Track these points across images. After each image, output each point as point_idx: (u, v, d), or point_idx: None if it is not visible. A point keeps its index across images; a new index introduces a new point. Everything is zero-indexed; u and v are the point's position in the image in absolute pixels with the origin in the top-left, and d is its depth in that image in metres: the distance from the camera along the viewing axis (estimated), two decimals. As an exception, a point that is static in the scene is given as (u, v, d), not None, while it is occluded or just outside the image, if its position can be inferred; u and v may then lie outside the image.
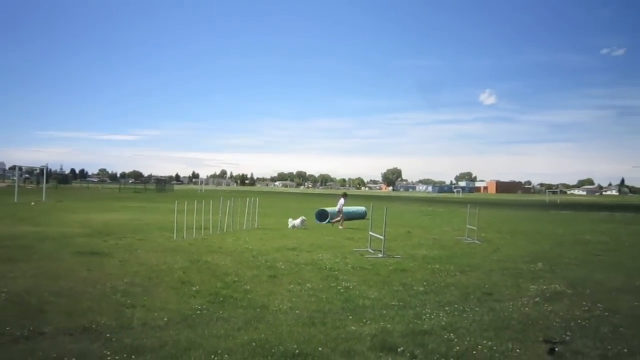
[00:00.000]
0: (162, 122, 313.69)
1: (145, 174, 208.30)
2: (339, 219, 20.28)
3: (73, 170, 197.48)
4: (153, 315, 6.14)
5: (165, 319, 6.00)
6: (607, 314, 6.87)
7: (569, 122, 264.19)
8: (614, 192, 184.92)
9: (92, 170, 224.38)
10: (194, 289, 7.74)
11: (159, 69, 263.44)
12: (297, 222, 18.88)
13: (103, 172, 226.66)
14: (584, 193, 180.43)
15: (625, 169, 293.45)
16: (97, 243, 12.65)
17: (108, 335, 5.26)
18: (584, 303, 7.46)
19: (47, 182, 42.23)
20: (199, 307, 6.60)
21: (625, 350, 5.31)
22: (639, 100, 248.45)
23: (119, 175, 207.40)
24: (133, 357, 4.69)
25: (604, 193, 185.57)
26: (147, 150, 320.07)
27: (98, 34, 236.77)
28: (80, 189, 74.83)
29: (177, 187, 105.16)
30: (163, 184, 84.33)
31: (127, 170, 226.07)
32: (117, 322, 5.80)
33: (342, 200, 20.63)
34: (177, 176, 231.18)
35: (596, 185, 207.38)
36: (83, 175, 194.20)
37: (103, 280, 8.10)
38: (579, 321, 6.44)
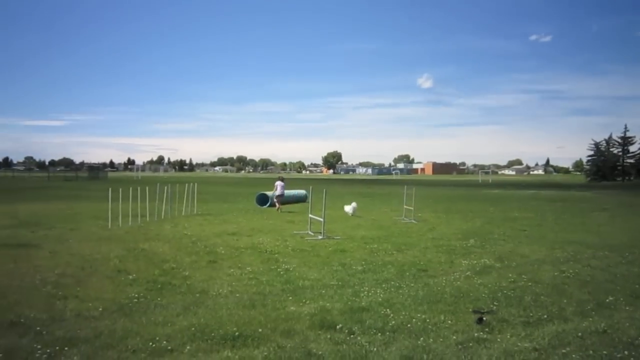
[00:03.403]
0: (93, 107, 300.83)
1: (77, 161, 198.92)
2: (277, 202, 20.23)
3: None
4: (87, 306, 5.95)
5: (100, 309, 5.82)
6: (530, 284, 7.36)
7: (499, 106, 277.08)
8: (540, 172, 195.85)
9: (17, 158, 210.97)
10: (130, 277, 7.55)
11: (89, 50, 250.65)
12: (350, 208, 17.92)
13: (29, 159, 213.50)
14: (513, 173, 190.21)
15: (550, 150, 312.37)
16: (24, 234, 12.00)
17: (38, 329, 5.05)
18: (510, 275, 7.95)
19: (-34, 171, 39.39)
20: (136, 295, 6.46)
21: (545, 316, 5.73)
22: (562, 84, 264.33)
23: (47, 163, 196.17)
24: (66, 348, 4.54)
25: (531, 172, 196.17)
26: (78, 136, 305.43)
27: (23, 10, 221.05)
28: (4, 177, 70.20)
29: (111, 174, 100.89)
30: (96, 171, 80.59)
31: (56, 158, 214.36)
32: (47, 314, 5.57)
33: (280, 183, 20.59)
34: (111, 162, 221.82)
35: (524, 165, 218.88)
36: (7, 163, 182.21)
37: (31, 272, 7.72)
38: (505, 291, 6.86)
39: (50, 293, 6.52)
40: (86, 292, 6.61)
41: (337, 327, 5.27)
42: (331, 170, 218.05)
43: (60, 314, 5.63)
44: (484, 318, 5.57)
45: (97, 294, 6.50)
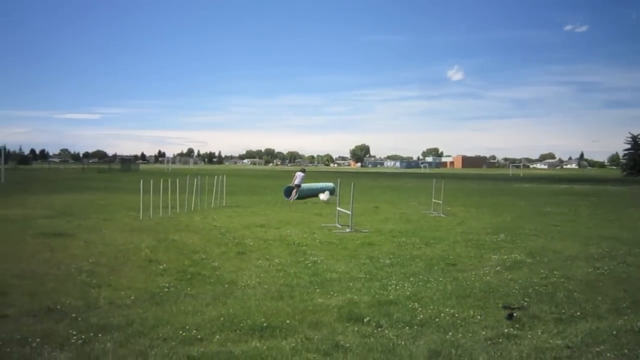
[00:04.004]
0: (126, 100, 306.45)
1: (109, 153, 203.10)
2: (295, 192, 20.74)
3: (33, 151, 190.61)
4: (119, 294, 6.10)
5: (132, 297, 5.97)
6: (562, 280, 7.19)
7: (531, 98, 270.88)
8: (574, 166, 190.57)
9: (53, 150, 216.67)
10: (161, 267, 7.70)
11: (121, 45, 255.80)
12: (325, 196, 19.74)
13: (64, 152, 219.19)
14: (545, 166, 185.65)
15: (585, 143, 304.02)
16: (60, 224, 12.36)
17: (73, 315, 5.21)
18: (542, 270, 7.79)
19: (6, 163, 40.72)
20: (167, 285, 6.59)
21: (578, 313, 5.59)
22: (598, 76, 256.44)
23: (81, 155, 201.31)
24: (99, 335, 4.67)
25: (564, 166, 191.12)
26: (111, 129, 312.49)
27: (56, 6, 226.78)
28: (41, 169, 72.53)
29: (142, 166, 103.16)
30: (128, 163, 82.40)
31: (90, 150, 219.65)
32: (82, 301, 5.75)
33: (300, 174, 21.10)
34: (143, 155, 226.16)
35: (557, 159, 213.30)
36: (43, 155, 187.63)
37: (67, 260, 7.96)
38: (537, 287, 6.72)
39: (84, 281, 6.72)
40: (119, 281, 6.79)
41: (365, 320, 5.26)
42: (359, 164, 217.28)
43: (94, 301, 5.80)
44: (515, 314, 5.48)
45: (129, 283, 6.66)
